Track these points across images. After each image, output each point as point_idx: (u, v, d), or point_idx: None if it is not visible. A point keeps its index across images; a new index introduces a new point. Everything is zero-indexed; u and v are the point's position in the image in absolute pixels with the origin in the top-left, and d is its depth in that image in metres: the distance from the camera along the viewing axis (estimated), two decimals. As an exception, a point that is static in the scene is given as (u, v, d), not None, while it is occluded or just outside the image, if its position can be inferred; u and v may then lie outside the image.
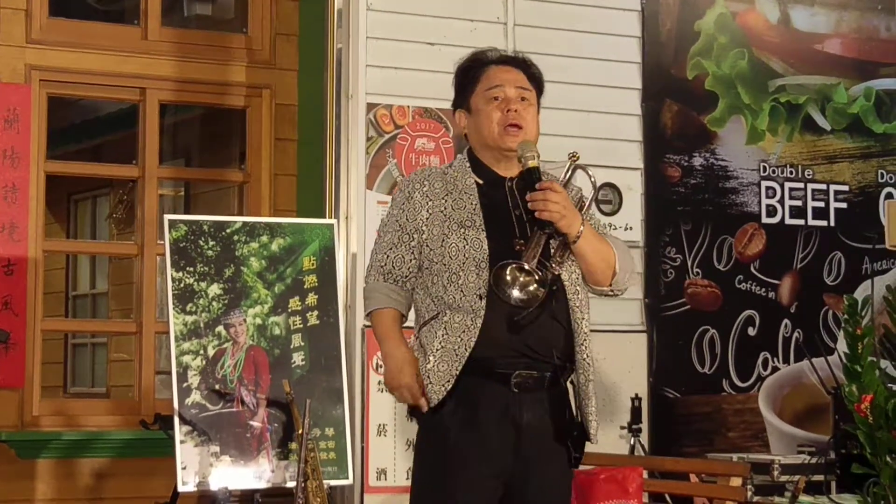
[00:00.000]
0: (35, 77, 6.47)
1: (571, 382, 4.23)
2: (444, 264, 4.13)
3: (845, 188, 7.76)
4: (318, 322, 5.77)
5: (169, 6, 7.18)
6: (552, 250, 4.14)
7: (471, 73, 4.31)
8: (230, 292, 5.67)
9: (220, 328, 5.64)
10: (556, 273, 4.13)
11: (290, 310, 5.75)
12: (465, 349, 4.06)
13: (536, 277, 4.02)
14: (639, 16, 7.24)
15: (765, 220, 7.50)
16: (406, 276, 4.22)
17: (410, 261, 4.21)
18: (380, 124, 6.56)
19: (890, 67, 7.89)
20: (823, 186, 7.70)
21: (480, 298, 4.06)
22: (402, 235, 4.21)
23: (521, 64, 4.34)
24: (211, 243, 5.68)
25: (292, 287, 5.77)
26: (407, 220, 4.21)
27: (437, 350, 4.08)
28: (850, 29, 7.88)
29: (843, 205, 7.74)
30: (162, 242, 5.89)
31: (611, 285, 4.26)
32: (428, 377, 4.08)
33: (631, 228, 7.03)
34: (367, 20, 6.56)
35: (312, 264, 5.81)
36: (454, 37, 6.63)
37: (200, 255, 5.66)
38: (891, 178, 7.78)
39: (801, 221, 7.61)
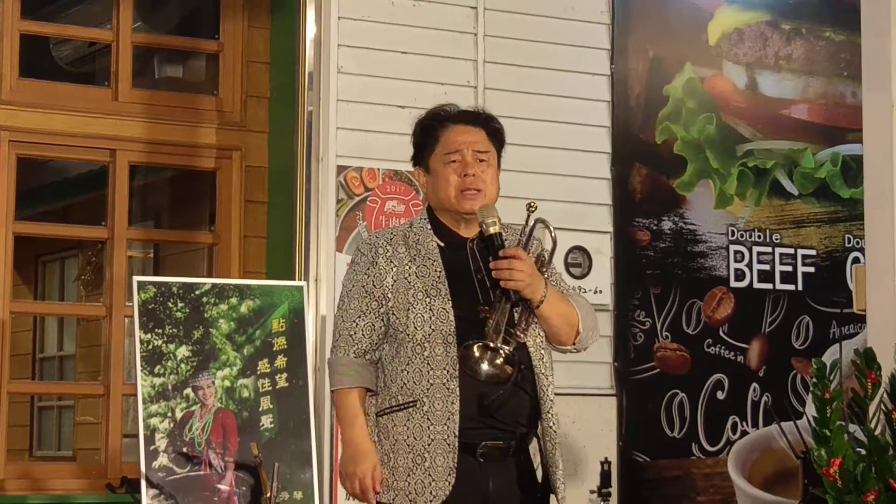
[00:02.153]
0: (4, 138, 6.45)
1: (539, 441, 4.21)
2: (409, 334, 4.10)
3: (813, 252, 7.80)
4: (287, 385, 5.74)
5: (140, 68, 7.19)
6: (516, 317, 4.12)
7: (430, 131, 4.27)
8: (199, 354, 5.65)
9: (189, 390, 5.60)
10: (523, 341, 4.11)
11: (259, 372, 5.73)
12: (454, 436, 4.03)
13: (503, 354, 4.00)
14: (608, 80, 7.29)
15: (733, 283, 7.54)
16: (376, 345, 4.17)
17: (380, 328, 4.16)
18: (350, 187, 6.57)
19: (856, 133, 7.92)
20: (791, 251, 7.74)
21: (452, 379, 4.04)
22: (369, 302, 4.17)
23: (482, 121, 4.30)
24: (180, 305, 5.66)
25: (261, 349, 5.75)
26: (374, 285, 4.17)
27: (430, 443, 4.04)
28: (816, 95, 7.95)
29: (811, 269, 7.78)
30: (130, 304, 5.87)
31: (574, 344, 4.24)
32: (429, 474, 4.03)
33: (600, 292, 7.04)
34: (338, 83, 6.58)
35: (282, 326, 5.79)
36: (425, 100, 6.64)
37: (169, 317, 5.63)
38: (858, 243, 7.83)
39: (769, 285, 7.64)
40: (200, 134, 6.82)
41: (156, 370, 5.57)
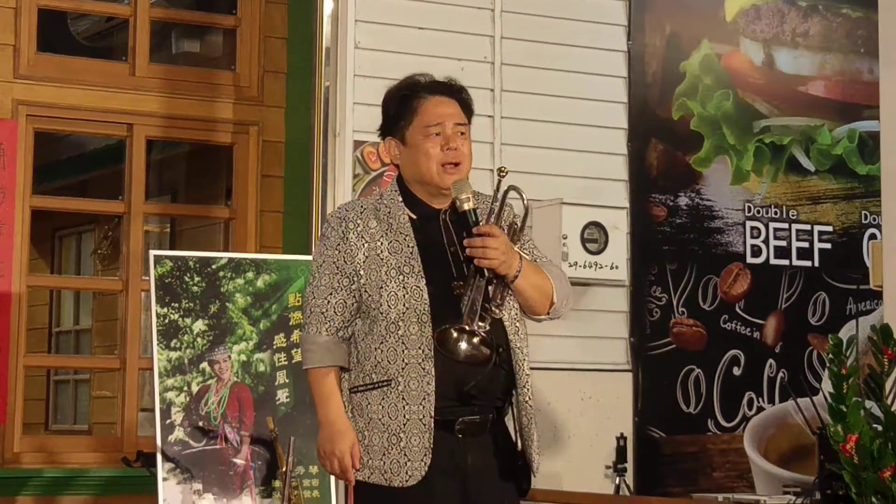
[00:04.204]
0: (22, 112, 6.46)
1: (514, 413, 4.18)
2: (382, 312, 4.03)
3: (829, 229, 7.80)
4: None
5: (157, 43, 7.20)
6: (490, 292, 4.04)
7: (406, 103, 4.17)
8: (215, 328, 5.66)
9: (205, 364, 5.62)
10: (498, 317, 4.05)
11: (275, 346, 5.74)
12: (430, 417, 3.98)
13: (480, 335, 3.94)
14: (625, 56, 7.28)
15: (749, 260, 7.53)
16: (348, 322, 4.09)
17: (352, 305, 4.08)
18: (366, 162, 6.57)
19: (873, 109, 7.90)
20: (808, 227, 7.74)
21: (427, 359, 3.99)
22: (341, 279, 4.08)
23: (456, 93, 4.22)
24: (196, 279, 5.67)
25: (277, 324, 5.76)
26: (345, 262, 4.09)
27: (405, 423, 3.99)
28: (833, 71, 7.93)
29: (828, 245, 7.77)
30: (147, 278, 5.88)
31: (548, 313, 4.18)
32: (404, 454, 3.99)
33: (617, 267, 7.03)
34: (355, 58, 6.58)
35: (298, 301, 5.80)
36: (441, 76, 6.64)
37: (185, 291, 5.65)
38: (874, 220, 7.81)
39: (785, 262, 7.64)
40: (217, 109, 6.82)
41: (172, 344, 5.58)
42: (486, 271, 3.99)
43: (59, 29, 8.33)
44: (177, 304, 5.62)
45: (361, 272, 4.07)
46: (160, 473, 5.45)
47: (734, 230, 7.51)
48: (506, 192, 4.11)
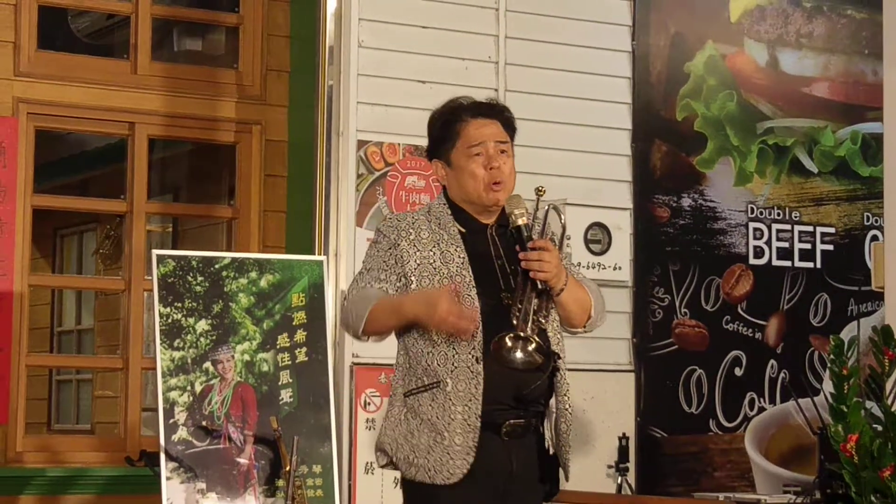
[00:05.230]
0: (23, 110, 6.45)
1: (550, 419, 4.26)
2: None
3: (832, 230, 7.80)
4: (306, 359, 5.75)
5: (159, 41, 7.19)
6: (536, 303, 4.16)
7: (450, 126, 4.30)
8: (218, 328, 5.65)
9: (208, 364, 5.62)
10: (545, 327, 4.18)
11: (278, 346, 5.73)
12: (476, 417, 4.10)
13: (534, 342, 4.07)
14: (629, 57, 7.28)
15: (752, 261, 7.54)
16: None
17: (392, 295, 4.21)
18: (370, 161, 6.57)
19: (876, 111, 7.90)
20: (810, 228, 7.74)
21: (478, 361, 4.11)
22: (388, 275, 4.22)
23: (498, 114, 4.36)
24: (199, 279, 5.67)
25: (281, 323, 5.76)
26: (395, 263, 4.23)
27: (450, 423, 4.10)
28: (837, 73, 7.93)
29: (830, 247, 7.78)
30: (149, 278, 5.88)
31: (584, 327, 4.34)
32: (447, 453, 4.09)
33: (620, 268, 7.04)
34: (359, 57, 6.58)
35: (301, 301, 5.80)
36: (445, 75, 6.66)
37: (188, 291, 5.64)
38: (876, 221, 7.82)
39: (787, 263, 7.65)
40: (220, 107, 6.82)
41: (175, 344, 5.58)
42: (539, 283, 4.12)
43: (60, 26, 8.32)
44: (180, 304, 5.62)
45: (413, 278, 4.19)
46: (164, 473, 5.45)
47: (737, 231, 7.52)
48: (547, 210, 4.27)
